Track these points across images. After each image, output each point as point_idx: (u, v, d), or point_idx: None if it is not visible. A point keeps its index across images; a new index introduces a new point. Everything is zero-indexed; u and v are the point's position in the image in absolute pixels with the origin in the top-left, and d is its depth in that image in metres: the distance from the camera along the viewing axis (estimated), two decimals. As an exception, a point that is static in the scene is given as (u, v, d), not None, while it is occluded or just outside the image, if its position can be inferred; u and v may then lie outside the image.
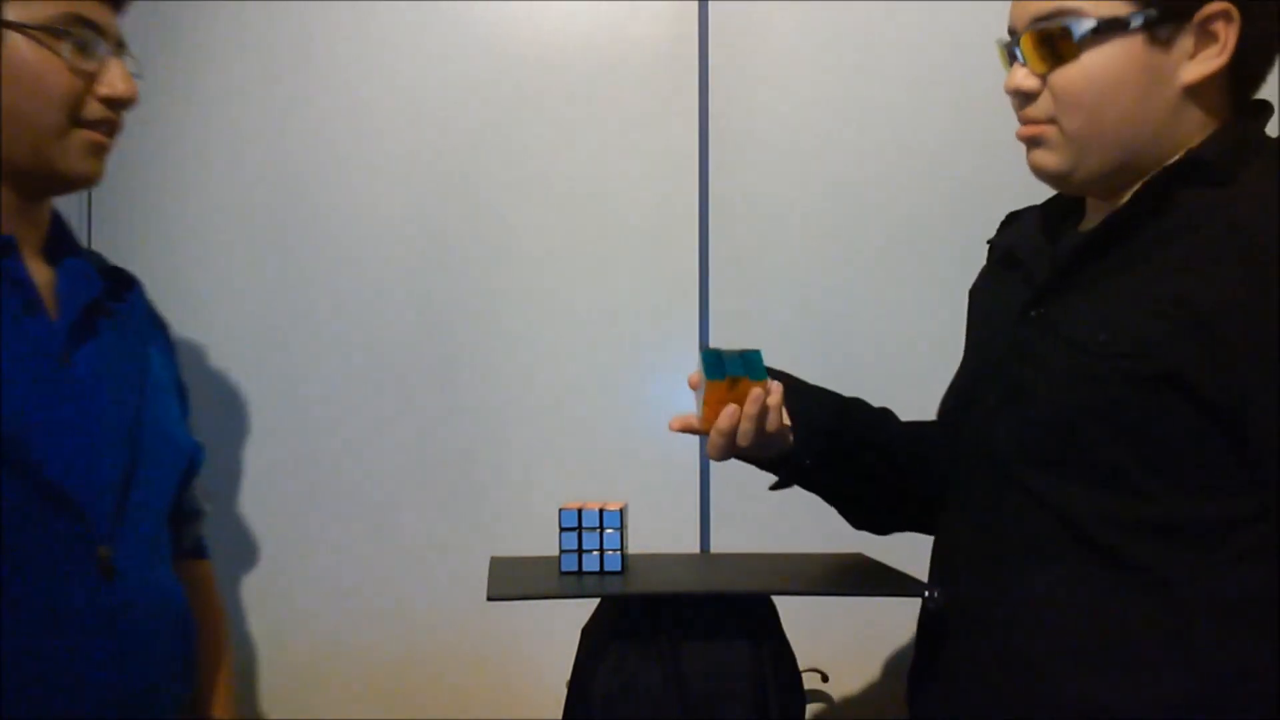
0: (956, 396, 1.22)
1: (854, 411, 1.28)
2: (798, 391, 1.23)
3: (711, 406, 1.14)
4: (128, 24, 1.74)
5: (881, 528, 1.35)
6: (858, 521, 1.35)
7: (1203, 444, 0.97)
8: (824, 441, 1.21)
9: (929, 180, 1.71)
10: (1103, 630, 1.00)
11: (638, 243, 1.74)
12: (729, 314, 1.73)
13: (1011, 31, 1.11)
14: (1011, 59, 1.10)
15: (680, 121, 1.74)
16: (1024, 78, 1.07)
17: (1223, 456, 0.97)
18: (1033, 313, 1.09)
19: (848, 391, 1.40)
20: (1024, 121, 1.10)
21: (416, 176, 1.75)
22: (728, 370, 1.14)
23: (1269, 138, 1.07)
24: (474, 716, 1.70)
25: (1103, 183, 1.09)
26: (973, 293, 1.28)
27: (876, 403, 1.40)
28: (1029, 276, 1.13)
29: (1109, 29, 1.01)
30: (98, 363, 1.18)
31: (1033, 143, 1.09)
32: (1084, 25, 1.02)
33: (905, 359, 1.71)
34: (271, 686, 1.73)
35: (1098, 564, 1.01)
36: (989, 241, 1.27)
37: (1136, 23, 1.01)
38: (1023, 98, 1.09)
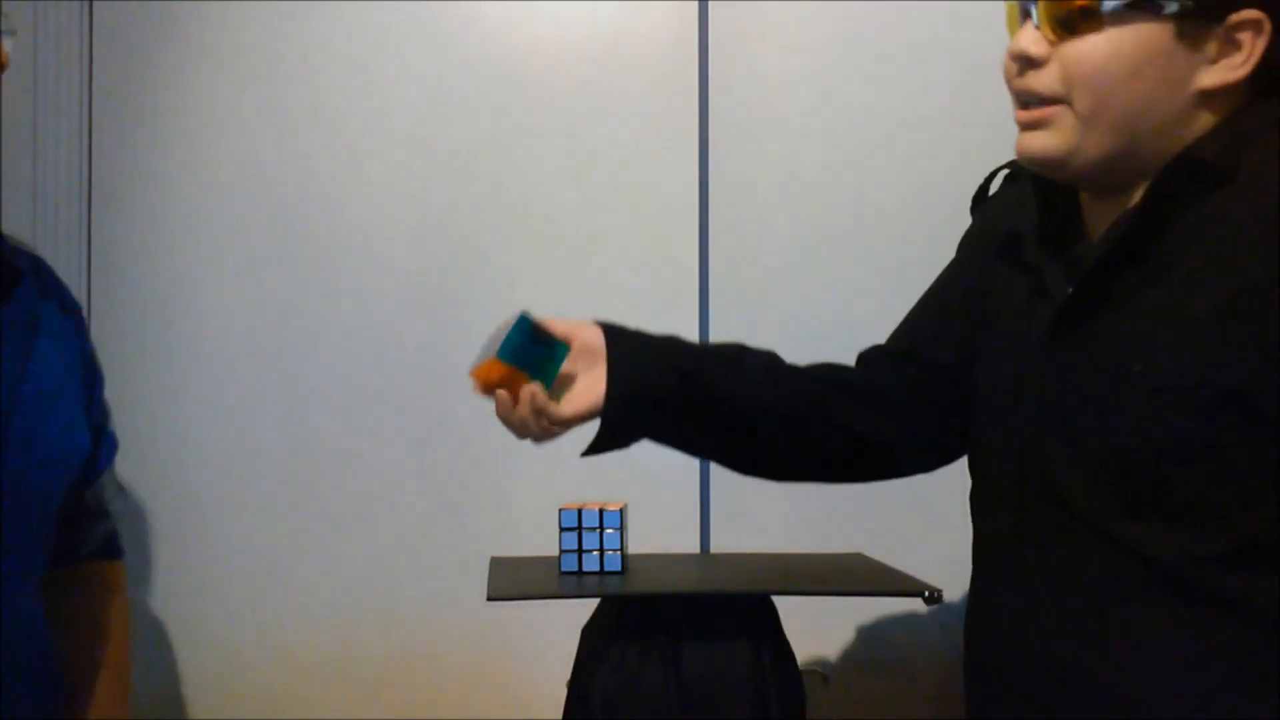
0: (986, 423, 1.13)
1: (695, 364, 1.19)
2: (623, 350, 1.15)
3: (484, 373, 1.11)
4: (127, 22, 1.76)
5: (773, 476, 1.28)
6: (743, 470, 1.27)
7: (1272, 460, 0.92)
8: (648, 408, 1.15)
9: (930, 179, 1.71)
10: (1205, 669, 0.95)
11: (638, 243, 1.74)
12: (729, 314, 1.73)
13: None
14: (1024, 13, 1.01)
15: (680, 121, 1.74)
16: (1034, 42, 0.99)
17: None
18: (1061, 337, 1.02)
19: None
20: (1019, 90, 1.03)
21: (416, 176, 1.75)
22: (509, 357, 1.10)
23: (1267, 114, 1.00)
24: (474, 716, 1.70)
25: (1098, 172, 1.02)
26: (969, 264, 1.22)
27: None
28: (1042, 289, 1.06)
29: (1141, 7, 0.95)
30: None
31: (1034, 125, 1.02)
32: None
33: (905, 359, 1.71)
34: (272, 686, 1.73)
35: (1189, 602, 0.95)
36: (977, 199, 1.21)
37: (1170, 8, 0.95)
38: (1025, 63, 1.01)
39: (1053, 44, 0.99)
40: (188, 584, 1.73)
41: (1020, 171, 1.15)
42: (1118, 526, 0.98)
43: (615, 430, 1.16)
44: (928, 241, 1.71)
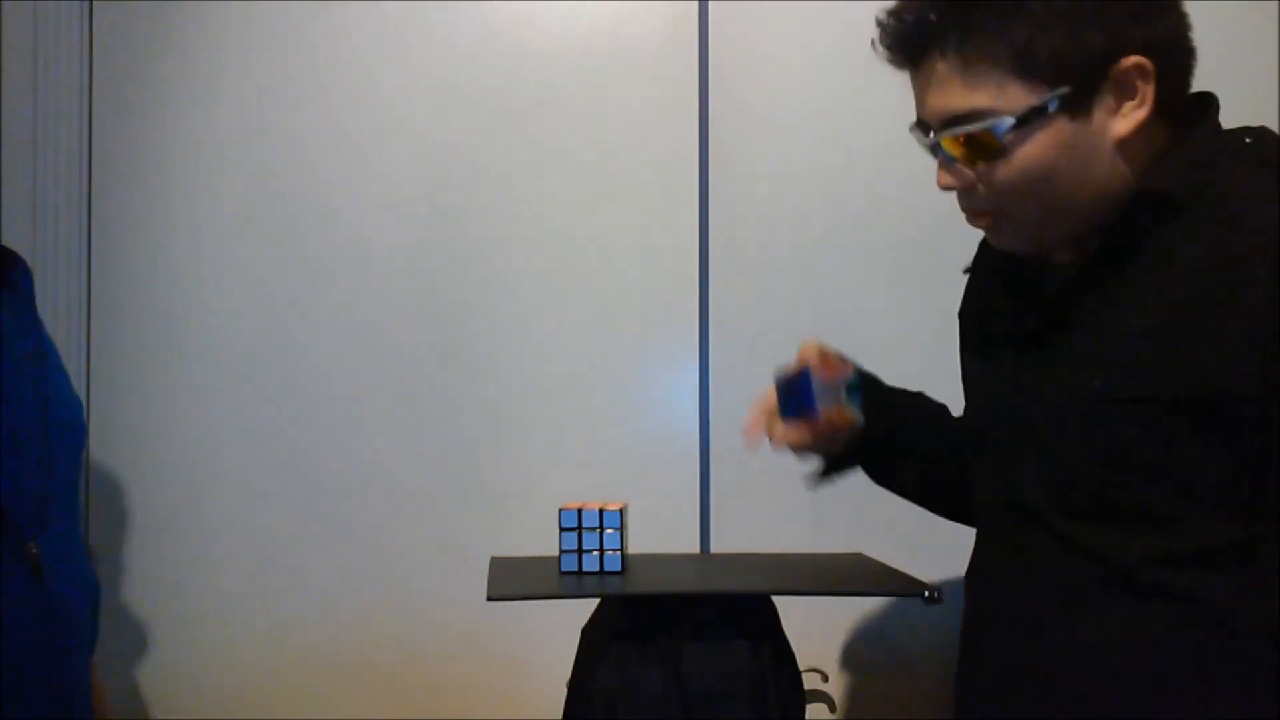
0: (974, 438, 1.20)
1: (914, 412, 1.31)
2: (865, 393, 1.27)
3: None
4: (127, 22, 1.76)
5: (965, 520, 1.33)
6: (947, 515, 1.35)
7: (1220, 465, 0.97)
8: (876, 447, 1.27)
9: (929, 179, 1.70)
10: (1157, 665, 0.99)
11: (638, 243, 1.74)
12: (729, 314, 1.73)
13: (921, 122, 1.09)
14: (932, 151, 1.08)
15: (680, 121, 1.74)
16: (955, 176, 1.07)
17: (1241, 473, 0.97)
18: (1029, 355, 1.08)
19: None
20: (967, 210, 1.10)
21: (417, 176, 1.75)
22: (792, 413, 1.20)
23: (1224, 138, 1.05)
24: (474, 716, 1.70)
25: (1071, 237, 1.08)
26: (961, 316, 1.27)
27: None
28: (1017, 315, 1.12)
29: (1030, 120, 1.00)
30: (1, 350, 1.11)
31: (989, 229, 1.10)
32: (1004, 123, 1.00)
33: (906, 359, 1.70)
34: (271, 686, 1.73)
35: (1142, 602, 1.00)
36: (965, 271, 1.27)
37: (1054, 106, 1.00)
38: (959, 193, 1.08)
39: (973, 168, 1.04)
40: (187, 583, 1.73)
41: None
42: (1078, 531, 1.03)
43: (838, 464, 1.29)
44: (927, 241, 1.72)
